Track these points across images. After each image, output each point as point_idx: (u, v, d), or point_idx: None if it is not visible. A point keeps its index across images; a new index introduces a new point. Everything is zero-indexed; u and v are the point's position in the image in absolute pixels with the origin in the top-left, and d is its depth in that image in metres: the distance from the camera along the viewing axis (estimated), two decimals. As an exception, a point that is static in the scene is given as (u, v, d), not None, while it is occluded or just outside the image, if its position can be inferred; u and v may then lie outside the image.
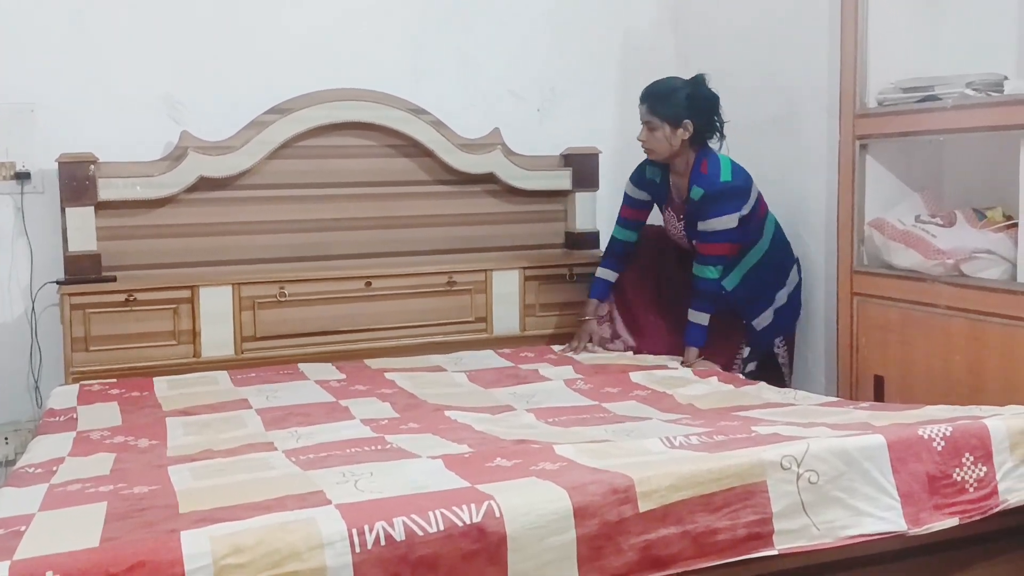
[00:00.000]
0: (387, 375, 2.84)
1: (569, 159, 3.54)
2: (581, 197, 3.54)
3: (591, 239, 3.55)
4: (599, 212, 3.58)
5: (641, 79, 3.08)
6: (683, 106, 2.92)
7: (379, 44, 3.43)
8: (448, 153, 3.36)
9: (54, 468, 1.98)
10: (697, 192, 2.94)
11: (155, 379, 2.81)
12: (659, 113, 2.94)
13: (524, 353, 3.18)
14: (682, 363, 2.94)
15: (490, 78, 3.57)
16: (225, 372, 2.90)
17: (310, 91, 3.21)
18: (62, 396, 2.67)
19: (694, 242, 3.02)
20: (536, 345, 3.29)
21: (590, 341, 3.19)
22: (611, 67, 3.73)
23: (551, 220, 3.58)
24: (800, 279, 3.16)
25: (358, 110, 3.25)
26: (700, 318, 2.96)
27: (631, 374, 2.80)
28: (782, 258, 3.12)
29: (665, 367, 2.90)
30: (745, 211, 2.96)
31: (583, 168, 3.53)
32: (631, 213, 3.19)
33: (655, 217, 3.24)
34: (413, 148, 3.35)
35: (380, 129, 3.29)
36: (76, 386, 2.76)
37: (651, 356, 3.07)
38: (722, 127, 3.00)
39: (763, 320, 3.06)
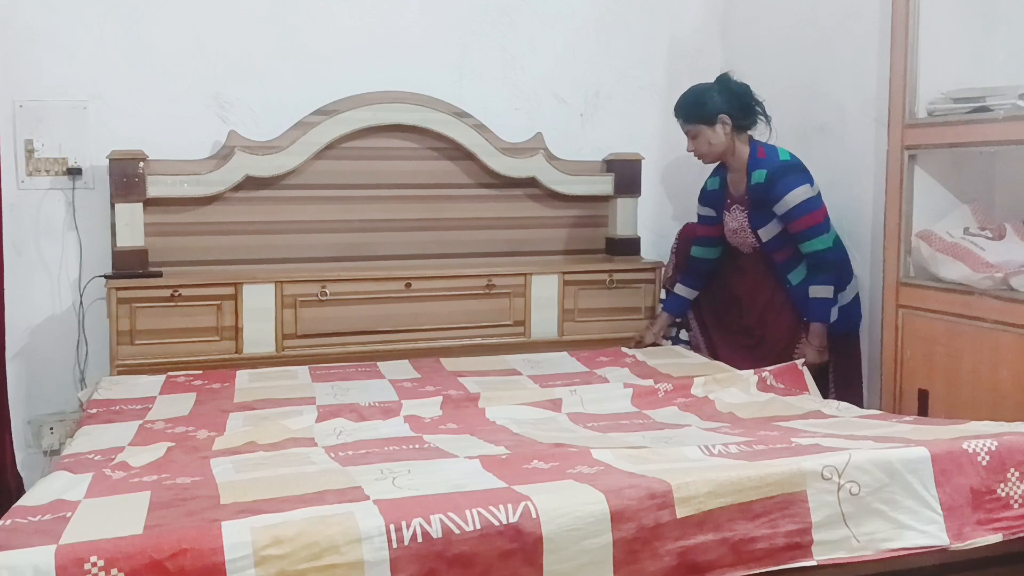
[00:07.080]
0: (460, 379, 2.82)
1: (611, 165, 3.53)
2: (623, 203, 3.52)
3: (632, 245, 3.54)
4: (641, 218, 3.57)
5: (686, 85, 3.08)
6: (713, 103, 2.98)
7: (424, 46, 3.45)
8: (490, 156, 3.37)
9: (112, 456, 2.03)
10: (760, 174, 2.97)
11: (238, 372, 2.86)
12: (693, 119, 3.02)
13: (600, 358, 3.14)
14: (805, 341, 2.97)
15: (534, 82, 3.58)
16: (306, 367, 2.94)
17: (355, 93, 3.24)
18: (137, 386, 2.71)
19: (764, 235, 3.01)
20: (577, 350, 3.27)
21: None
22: (656, 73, 3.71)
23: (592, 225, 3.57)
24: (857, 293, 3.12)
25: (402, 112, 3.27)
26: (821, 291, 2.94)
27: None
28: (843, 264, 3.08)
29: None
30: (816, 188, 2.96)
31: (625, 174, 3.52)
32: (703, 230, 3.26)
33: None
34: (456, 151, 3.36)
35: (423, 131, 3.31)
36: (163, 376, 2.82)
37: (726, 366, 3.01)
38: (764, 111, 3.02)
39: (831, 316, 3.01)
